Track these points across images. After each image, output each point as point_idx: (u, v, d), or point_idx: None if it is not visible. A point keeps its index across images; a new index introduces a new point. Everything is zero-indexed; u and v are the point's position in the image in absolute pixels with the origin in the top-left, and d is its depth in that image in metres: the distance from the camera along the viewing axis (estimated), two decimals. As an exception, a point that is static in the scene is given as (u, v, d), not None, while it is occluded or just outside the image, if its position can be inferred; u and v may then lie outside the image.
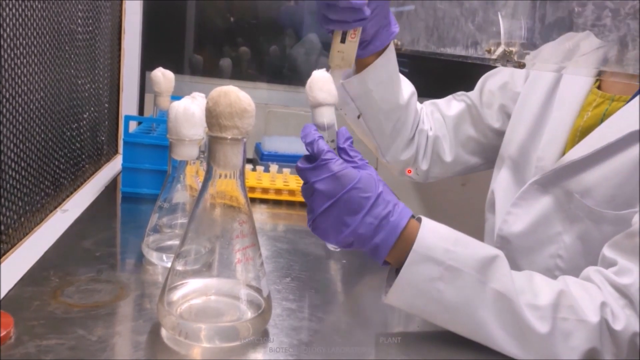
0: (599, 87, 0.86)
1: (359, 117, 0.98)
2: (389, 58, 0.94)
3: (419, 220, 0.69)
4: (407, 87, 1.02)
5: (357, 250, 0.68)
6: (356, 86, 0.94)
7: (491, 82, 1.04)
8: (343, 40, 0.84)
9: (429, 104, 1.12)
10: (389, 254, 0.67)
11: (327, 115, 0.69)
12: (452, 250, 0.66)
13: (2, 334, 0.59)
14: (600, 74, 0.71)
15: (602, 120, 0.82)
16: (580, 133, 0.85)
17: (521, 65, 0.68)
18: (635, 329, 0.65)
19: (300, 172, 0.67)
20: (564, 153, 0.86)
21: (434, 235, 0.67)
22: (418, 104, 1.09)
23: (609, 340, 0.65)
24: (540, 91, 0.94)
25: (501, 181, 0.96)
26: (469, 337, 0.68)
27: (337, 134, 0.70)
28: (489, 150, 1.06)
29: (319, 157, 0.65)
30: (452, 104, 1.09)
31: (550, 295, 0.67)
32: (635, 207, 0.74)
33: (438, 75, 1.75)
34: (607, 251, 0.71)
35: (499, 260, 0.68)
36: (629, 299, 0.66)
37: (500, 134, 1.02)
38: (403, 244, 0.66)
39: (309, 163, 0.66)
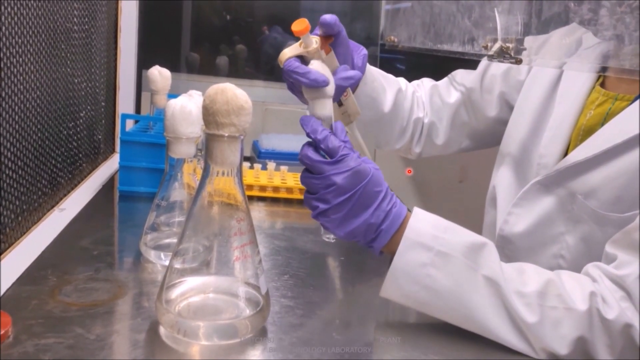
0: (602, 85, 0.85)
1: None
2: (366, 81, 0.93)
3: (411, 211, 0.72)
4: (390, 90, 1.01)
5: (356, 242, 0.70)
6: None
7: (495, 66, 1.03)
8: (340, 103, 0.85)
9: (429, 87, 1.11)
10: (385, 244, 0.69)
11: (329, 108, 0.70)
12: (442, 237, 0.68)
13: (0, 333, 0.59)
14: (602, 70, 0.71)
15: (605, 120, 0.81)
16: (583, 132, 0.84)
17: (518, 61, 0.68)
18: (628, 320, 0.65)
19: (313, 163, 0.67)
20: (566, 151, 0.85)
21: (424, 222, 0.70)
22: (411, 87, 1.08)
23: (601, 329, 0.66)
24: (542, 85, 0.93)
25: (502, 177, 0.96)
26: (465, 327, 0.69)
27: (335, 128, 0.70)
28: (484, 135, 1.06)
29: (337, 152, 0.66)
30: (452, 92, 1.08)
31: (538, 284, 0.68)
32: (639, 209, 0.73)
33: (435, 71, 1.75)
34: (608, 248, 0.72)
35: (488, 247, 0.70)
36: (625, 290, 0.66)
37: (496, 121, 1.02)
38: (398, 233, 0.69)
39: (320, 154, 0.67)
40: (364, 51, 0.88)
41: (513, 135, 0.96)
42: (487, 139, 1.05)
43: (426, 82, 1.12)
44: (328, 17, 0.75)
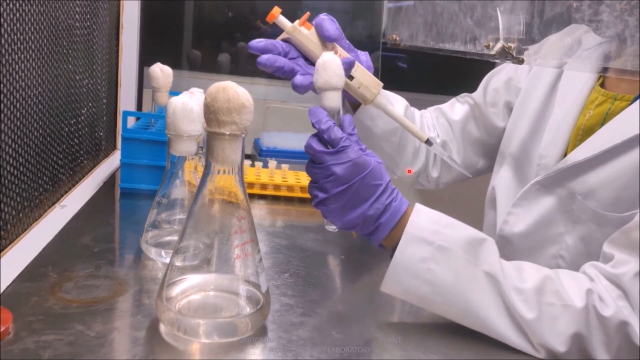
0: (602, 85, 0.86)
1: None
2: None
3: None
4: (399, 104, 1.01)
5: (356, 232, 0.71)
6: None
7: (495, 80, 1.04)
8: (351, 78, 0.79)
9: (433, 109, 1.11)
10: (385, 238, 0.70)
11: (337, 100, 0.70)
12: (442, 232, 0.69)
13: (0, 330, 0.59)
14: (603, 70, 0.71)
15: (604, 120, 0.81)
16: (582, 132, 0.84)
17: (520, 61, 0.68)
18: (624, 318, 0.65)
19: (315, 153, 0.68)
20: (566, 152, 0.85)
21: (425, 218, 0.70)
22: (417, 111, 1.08)
23: (598, 327, 0.66)
24: (542, 86, 0.93)
25: (502, 178, 0.96)
26: (464, 323, 0.70)
27: (343, 121, 0.70)
28: (497, 152, 1.05)
29: (338, 143, 0.67)
30: (456, 108, 1.08)
31: (535, 280, 0.68)
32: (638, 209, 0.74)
33: (437, 70, 1.75)
34: (605, 247, 0.72)
35: (488, 243, 0.70)
36: (622, 289, 0.67)
37: None
38: (398, 227, 0.69)
39: (323, 145, 0.68)
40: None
41: (513, 135, 0.96)
42: None
43: (431, 108, 1.12)
44: (330, 32, 0.76)
